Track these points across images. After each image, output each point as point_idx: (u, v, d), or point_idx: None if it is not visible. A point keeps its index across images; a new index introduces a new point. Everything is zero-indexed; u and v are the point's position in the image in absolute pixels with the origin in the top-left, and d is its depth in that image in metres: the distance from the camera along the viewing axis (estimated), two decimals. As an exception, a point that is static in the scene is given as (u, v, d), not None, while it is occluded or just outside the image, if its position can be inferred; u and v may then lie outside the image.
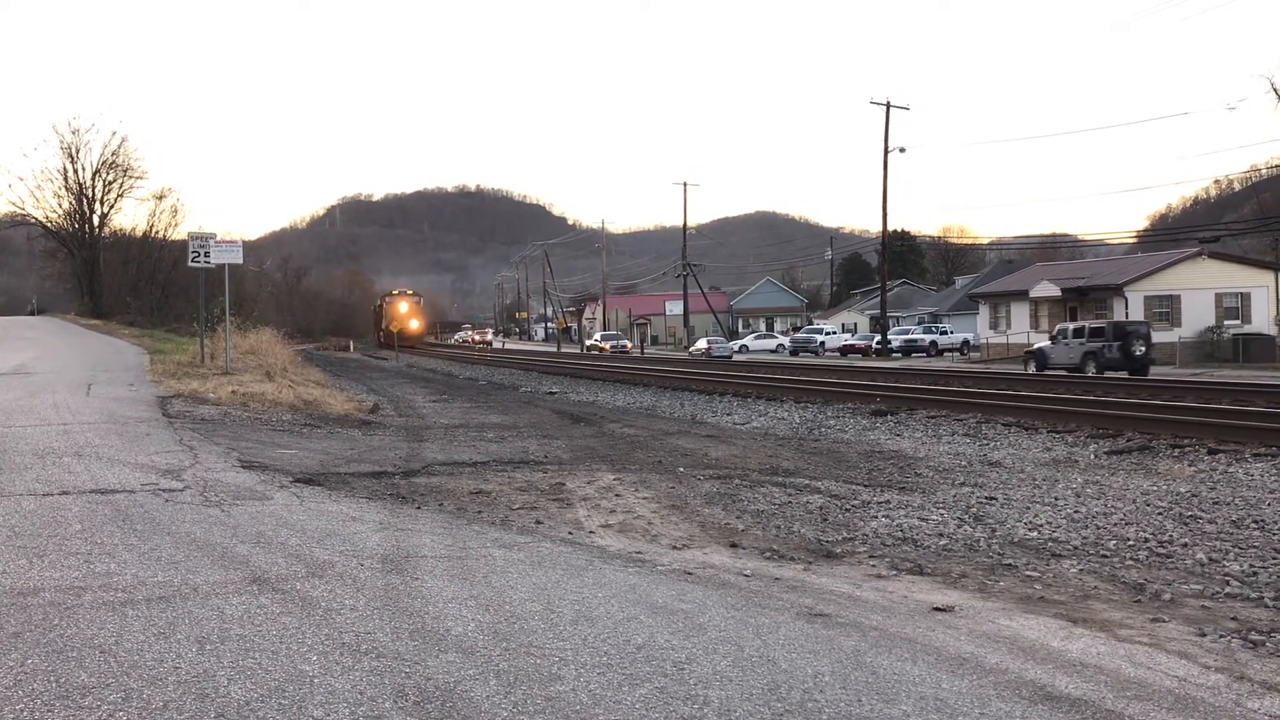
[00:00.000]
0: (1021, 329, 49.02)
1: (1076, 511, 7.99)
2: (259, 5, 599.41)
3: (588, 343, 79.16)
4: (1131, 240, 76.59)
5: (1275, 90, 40.49)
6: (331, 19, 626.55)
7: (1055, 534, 7.16)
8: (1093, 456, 11.58)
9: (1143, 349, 30.84)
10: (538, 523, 7.41)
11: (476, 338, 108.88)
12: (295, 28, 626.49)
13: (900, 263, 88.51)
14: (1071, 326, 34.17)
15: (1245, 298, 44.55)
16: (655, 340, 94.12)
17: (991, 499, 8.62)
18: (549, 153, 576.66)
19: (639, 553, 6.41)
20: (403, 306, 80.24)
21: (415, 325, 79.32)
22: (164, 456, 9.66)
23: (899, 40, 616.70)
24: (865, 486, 9.39)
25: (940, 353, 57.85)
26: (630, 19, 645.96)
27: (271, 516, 7.04)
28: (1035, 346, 36.39)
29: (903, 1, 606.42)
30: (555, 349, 77.88)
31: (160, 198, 60.28)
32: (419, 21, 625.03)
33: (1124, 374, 29.17)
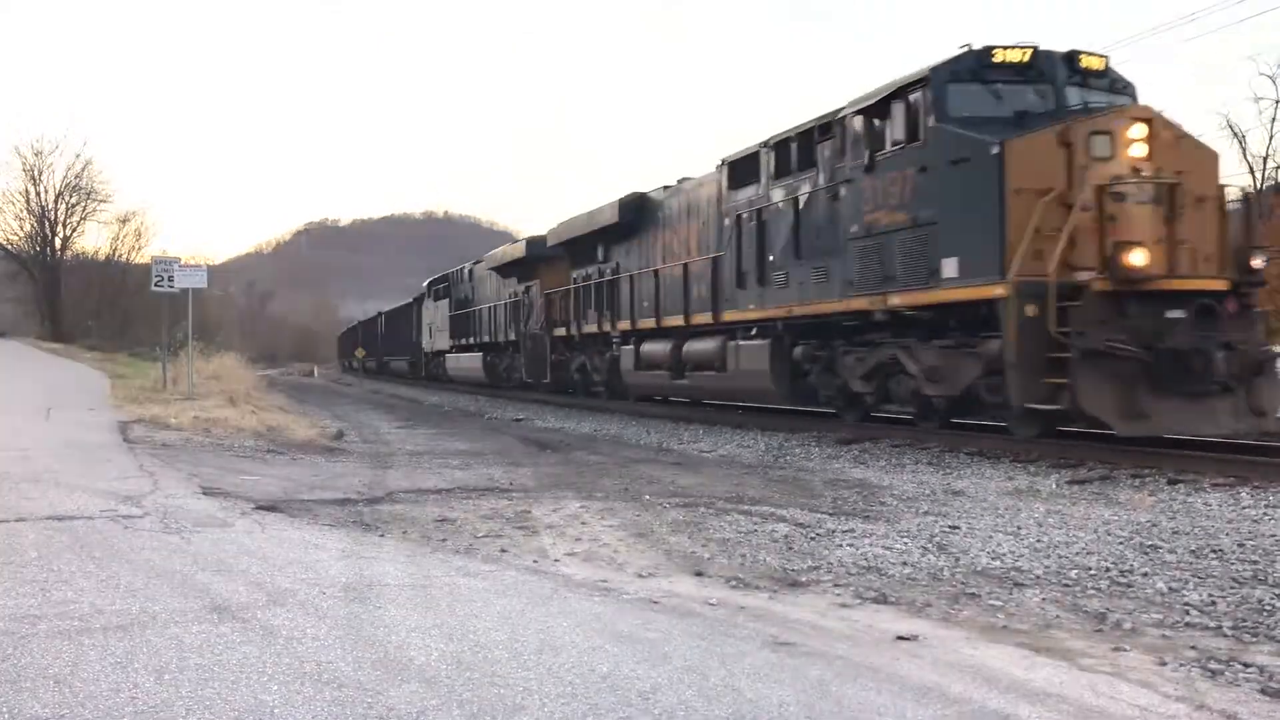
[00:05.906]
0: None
1: (1039, 541, 8.05)
2: (226, 29, 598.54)
3: None
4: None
5: (1230, 127, 41.24)
6: (298, 44, 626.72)
7: (1018, 563, 7.21)
8: (1055, 486, 11.67)
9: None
10: (503, 551, 7.36)
11: None
12: (262, 52, 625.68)
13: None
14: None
15: (1203, 330, 45.19)
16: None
17: (955, 528, 8.66)
18: (518, 179, 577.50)
19: (604, 581, 6.38)
20: None
21: None
22: (124, 482, 9.53)
23: (864, 78, 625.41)
24: (830, 515, 9.42)
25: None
26: (599, 47, 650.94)
27: (232, 544, 6.95)
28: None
29: (866, 46, 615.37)
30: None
31: (124, 221, 59.82)
32: (387, 47, 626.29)
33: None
